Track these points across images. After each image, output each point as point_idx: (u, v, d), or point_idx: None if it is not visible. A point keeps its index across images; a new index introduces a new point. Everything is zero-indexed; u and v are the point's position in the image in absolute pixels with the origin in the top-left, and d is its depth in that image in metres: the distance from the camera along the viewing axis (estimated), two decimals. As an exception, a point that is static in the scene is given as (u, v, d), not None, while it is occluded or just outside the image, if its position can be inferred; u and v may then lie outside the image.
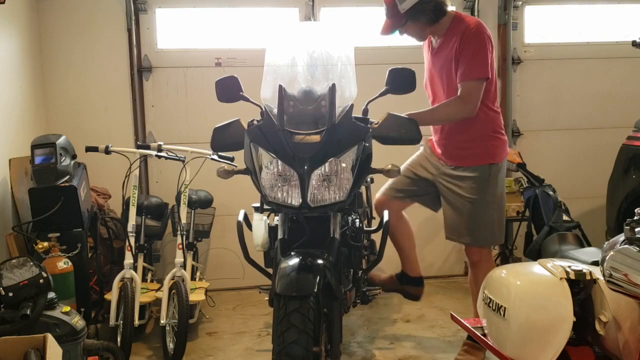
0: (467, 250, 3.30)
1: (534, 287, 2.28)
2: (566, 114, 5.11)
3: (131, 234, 3.57)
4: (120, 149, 3.55)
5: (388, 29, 3.09)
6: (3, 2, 3.54)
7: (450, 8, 3.09)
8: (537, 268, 2.38)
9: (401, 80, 2.71)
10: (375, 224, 3.13)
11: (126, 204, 3.82)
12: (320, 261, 2.33)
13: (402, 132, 2.67)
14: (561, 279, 2.20)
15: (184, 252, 3.62)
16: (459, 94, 3.00)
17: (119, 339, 3.34)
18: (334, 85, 2.48)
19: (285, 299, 2.22)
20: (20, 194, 3.65)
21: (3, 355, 2.25)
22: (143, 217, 3.96)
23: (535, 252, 3.19)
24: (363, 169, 2.51)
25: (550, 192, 3.69)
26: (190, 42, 4.72)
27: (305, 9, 4.73)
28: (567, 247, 2.90)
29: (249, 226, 2.77)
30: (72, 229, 3.35)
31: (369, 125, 2.61)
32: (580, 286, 2.25)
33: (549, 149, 5.08)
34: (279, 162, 2.42)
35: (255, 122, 2.66)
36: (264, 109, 2.60)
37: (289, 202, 2.43)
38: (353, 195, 2.53)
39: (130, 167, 3.52)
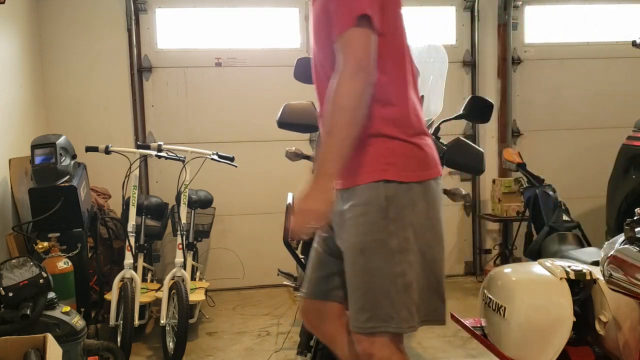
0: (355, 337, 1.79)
1: (534, 287, 2.28)
2: (566, 114, 5.11)
3: (131, 234, 3.57)
4: (120, 149, 3.55)
5: None
6: (3, 2, 3.54)
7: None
8: (537, 268, 2.38)
9: (481, 110, 2.65)
10: None
11: (126, 204, 3.82)
12: None
13: (469, 159, 2.58)
14: (561, 279, 2.20)
15: (184, 252, 3.62)
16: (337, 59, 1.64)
17: (119, 339, 3.34)
18: (422, 97, 2.45)
19: None
20: (20, 194, 3.65)
21: (3, 355, 2.24)
22: (143, 217, 3.96)
23: (535, 252, 3.18)
24: None
25: (550, 192, 3.68)
26: (190, 42, 4.72)
27: (305, 9, 4.73)
28: (567, 247, 2.89)
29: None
30: (72, 229, 3.34)
31: (444, 146, 2.55)
32: (580, 286, 2.25)
33: (549, 149, 5.09)
34: None
35: None
36: None
37: None
38: None
39: (130, 167, 3.52)
